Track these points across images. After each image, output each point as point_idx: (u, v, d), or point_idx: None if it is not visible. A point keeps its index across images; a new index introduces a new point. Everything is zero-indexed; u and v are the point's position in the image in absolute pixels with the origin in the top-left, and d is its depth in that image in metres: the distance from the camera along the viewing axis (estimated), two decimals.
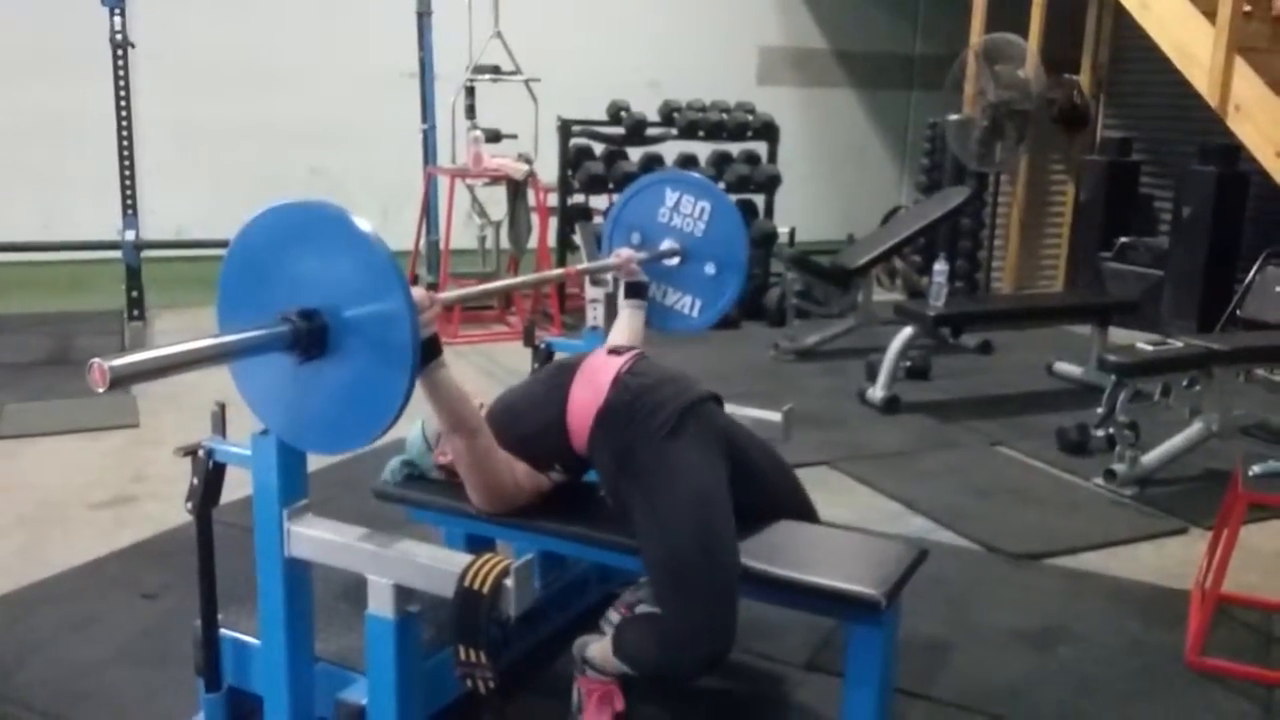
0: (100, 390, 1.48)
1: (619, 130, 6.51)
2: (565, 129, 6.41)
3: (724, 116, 6.70)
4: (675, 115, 6.60)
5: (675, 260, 2.92)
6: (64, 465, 3.92)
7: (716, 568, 2.05)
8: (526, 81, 6.16)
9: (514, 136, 6.18)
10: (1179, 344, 4.03)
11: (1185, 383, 4.03)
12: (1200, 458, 4.05)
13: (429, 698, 2.10)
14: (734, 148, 6.79)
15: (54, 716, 2.36)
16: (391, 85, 6.45)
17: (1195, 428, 3.99)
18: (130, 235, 5.41)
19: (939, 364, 5.51)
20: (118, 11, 5.28)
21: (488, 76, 6.17)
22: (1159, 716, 2.50)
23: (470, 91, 6.23)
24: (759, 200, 6.78)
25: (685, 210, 2.91)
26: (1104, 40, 7.33)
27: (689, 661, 2.08)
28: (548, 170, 6.34)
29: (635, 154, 6.50)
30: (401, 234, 6.36)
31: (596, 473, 2.26)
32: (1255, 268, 5.95)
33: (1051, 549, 3.39)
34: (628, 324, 2.77)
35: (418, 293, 1.81)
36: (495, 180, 6.19)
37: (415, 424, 2.39)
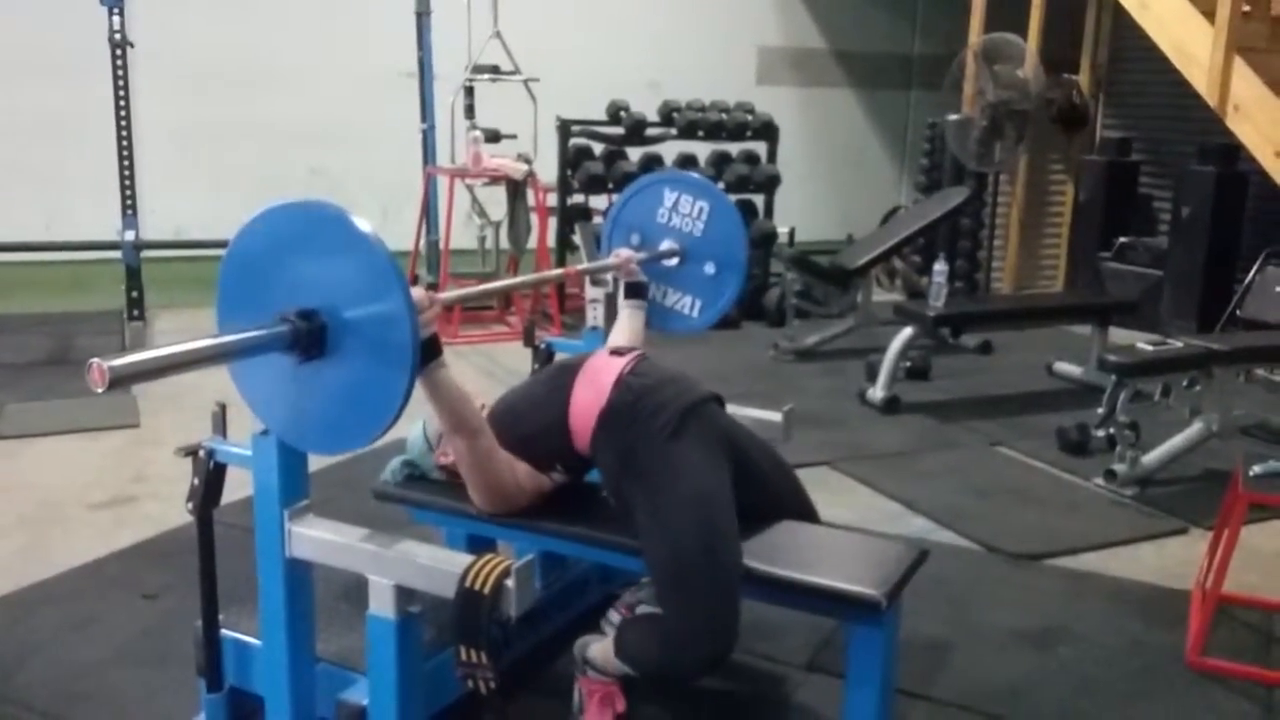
0: (100, 390, 1.48)
1: (618, 130, 6.50)
2: (565, 129, 6.41)
3: (723, 116, 6.70)
4: (674, 115, 6.60)
5: (674, 260, 2.92)
6: (64, 465, 3.92)
7: (719, 568, 2.05)
8: (526, 81, 6.16)
9: (513, 136, 6.18)
10: (1179, 344, 4.03)
11: (1185, 383, 4.03)
12: (1200, 458, 4.05)
13: (430, 698, 2.10)
14: (733, 148, 6.79)
15: (54, 717, 2.36)
16: (391, 85, 6.45)
17: (1195, 428, 3.99)
18: (130, 235, 5.42)
19: (939, 364, 5.51)
20: (117, 11, 5.28)
21: (487, 76, 6.17)
22: (1159, 717, 2.50)
23: (469, 91, 6.23)
24: (758, 200, 6.78)
25: (684, 210, 2.91)
26: (1103, 40, 7.33)
27: (691, 662, 2.08)
28: (547, 170, 6.34)
29: (635, 154, 6.50)
30: (401, 234, 6.36)
31: (599, 473, 2.26)
32: (1255, 268, 5.95)
33: (1052, 549, 3.39)
34: (628, 324, 2.77)
35: (417, 293, 1.81)
36: (495, 180, 6.19)
37: (416, 424, 2.39)
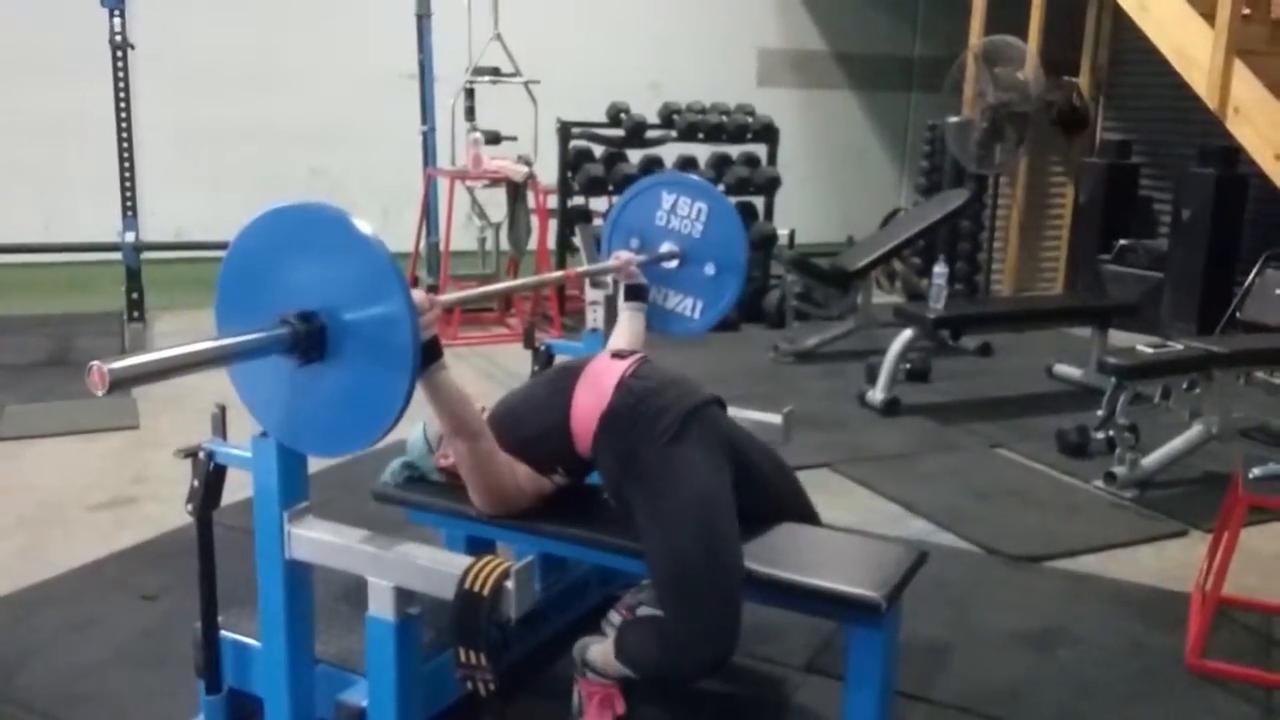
0: (100, 393, 1.48)
1: (619, 132, 6.51)
2: (565, 131, 6.41)
3: (724, 118, 6.71)
4: (675, 117, 6.60)
5: (674, 263, 2.92)
6: (64, 467, 3.92)
7: (720, 570, 2.05)
8: (526, 83, 6.16)
9: (514, 138, 6.19)
10: (1179, 346, 4.03)
11: (1185, 385, 4.03)
12: (1200, 460, 4.05)
13: (429, 700, 2.10)
14: (734, 150, 6.80)
15: (54, 718, 2.36)
16: (391, 87, 6.45)
17: (1195, 430, 3.99)
18: (130, 237, 5.42)
19: (939, 366, 5.51)
20: (117, 13, 5.28)
21: (487, 78, 6.18)
22: (1159, 719, 2.50)
23: (470, 93, 6.24)
24: (758, 202, 6.78)
25: (682, 212, 2.91)
26: (1103, 42, 7.34)
27: (691, 664, 2.08)
28: (547, 172, 6.34)
29: (635, 156, 6.51)
30: (401, 236, 6.37)
31: (600, 475, 2.26)
32: (1255, 270, 5.95)
33: (1051, 551, 3.39)
34: (628, 327, 2.77)
35: (418, 295, 1.81)
36: (495, 182, 6.19)
37: (416, 426, 2.39)
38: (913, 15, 8.61)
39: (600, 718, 2.28)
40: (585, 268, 3.07)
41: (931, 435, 4.60)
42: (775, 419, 2.72)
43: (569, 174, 6.45)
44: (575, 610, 2.68)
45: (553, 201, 6.45)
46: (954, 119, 6.49)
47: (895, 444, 4.45)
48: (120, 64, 5.33)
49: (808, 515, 2.39)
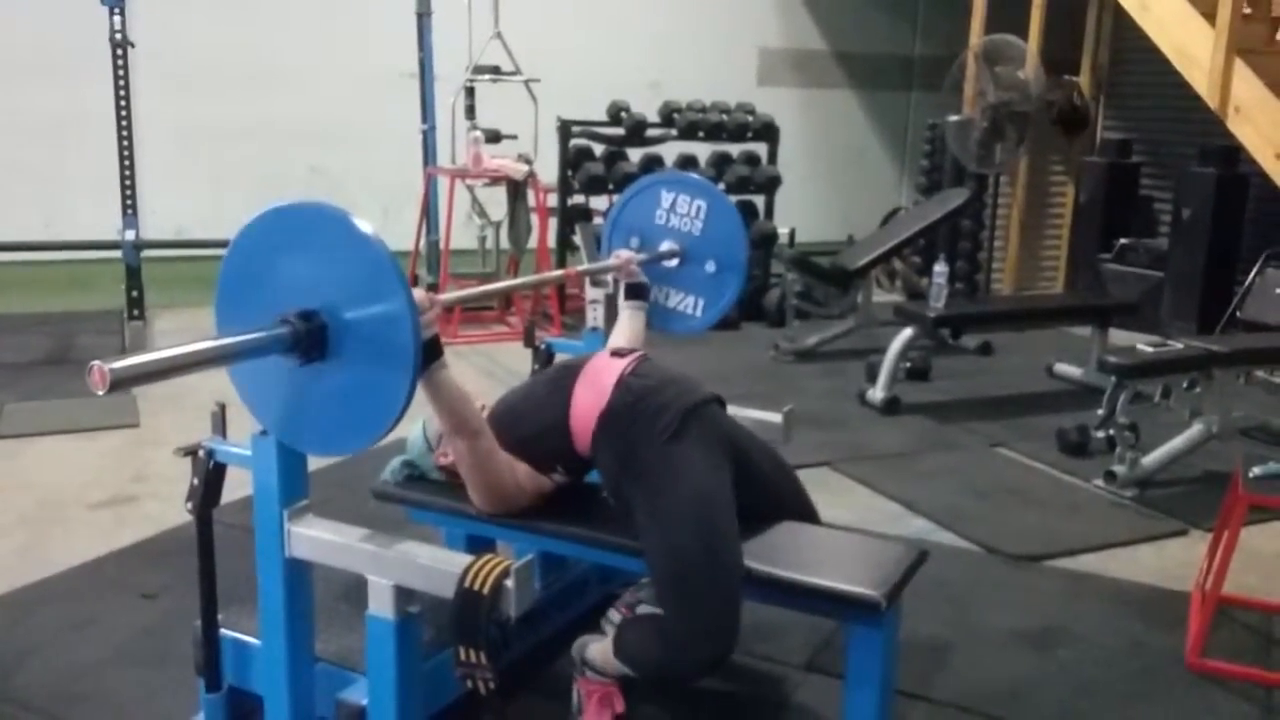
0: (100, 393, 1.48)
1: (619, 131, 6.50)
2: (565, 130, 6.41)
3: (724, 117, 6.70)
4: (675, 116, 6.59)
5: (675, 261, 2.92)
6: (64, 465, 3.92)
7: (719, 569, 2.05)
8: (526, 82, 6.16)
9: (514, 137, 6.18)
10: (1179, 345, 4.03)
11: (1185, 384, 4.03)
12: (1200, 459, 4.05)
13: (429, 698, 2.10)
14: (734, 149, 6.79)
15: (53, 717, 2.36)
16: (391, 85, 6.45)
17: (1195, 429, 3.99)
18: (130, 235, 5.42)
19: (939, 365, 5.51)
20: (117, 11, 5.28)
21: (487, 77, 6.17)
22: (1159, 718, 2.50)
23: (470, 92, 6.23)
24: (759, 201, 6.78)
25: (682, 210, 2.91)
26: (1104, 41, 7.34)
27: (691, 663, 2.08)
28: (548, 171, 6.34)
29: (635, 155, 6.50)
30: (401, 234, 6.37)
31: (599, 473, 2.26)
32: (1255, 269, 5.95)
33: (1052, 550, 3.39)
34: (628, 325, 2.77)
35: (418, 294, 1.81)
36: (495, 181, 6.19)
37: (416, 424, 2.39)
38: (913, 14, 8.60)
39: (599, 716, 2.28)
40: (585, 266, 3.07)
41: (931, 434, 4.60)
42: (775, 418, 2.72)
43: (569, 172, 6.45)
44: (575, 609, 2.68)
45: (553, 200, 6.45)
46: (954, 118, 6.48)
47: (895, 443, 4.45)
48: (120, 62, 5.33)
49: (808, 514, 2.40)
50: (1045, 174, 7.67)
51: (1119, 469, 3.88)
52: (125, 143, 5.40)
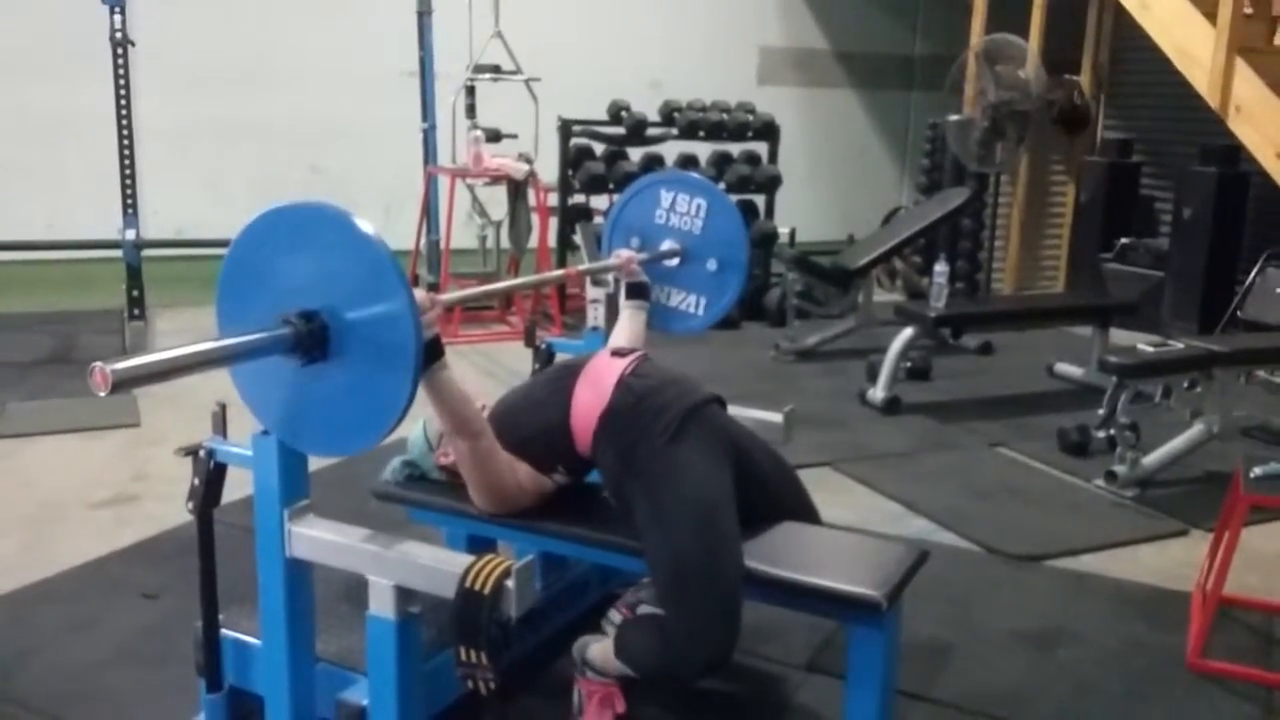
0: (102, 394, 1.48)
1: (619, 130, 6.50)
2: (566, 129, 6.41)
3: (724, 117, 6.70)
4: (676, 115, 6.59)
5: (675, 260, 2.92)
6: (65, 464, 3.92)
7: (720, 569, 2.05)
8: (527, 81, 6.16)
9: (514, 136, 6.18)
10: (1180, 345, 4.03)
11: (1186, 384, 4.03)
12: (1201, 459, 4.05)
13: (430, 698, 2.10)
14: (734, 148, 6.79)
15: (54, 716, 2.36)
16: (392, 84, 6.44)
17: (1196, 429, 3.99)
18: (131, 234, 5.42)
19: (939, 365, 5.51)
20: (118, 10, 5.27)
21: (488, 76, 6.17)
22: (1160, 718, 2.50)
23: (471, 91, 6.23)
24: (759, 201, 6.78)
25: (681, 209, 2.91)
26: (1104, 41, 7.33)
27: (692, 663, 2.08)
28: (548, 170, 6.34)
29: (636, 154, 6.50)
30: (402, 233, 6.38)
31: (600, 474, 2.26)
32: (1256, 269, 5.95)
33: (1052, 550, 3.39)
34: (629, 325, 2.77)
35: (419, 294, 1.80)
36: (496, 180, 6.18)
37: (417, 424, 2.39)
38: (914, 14, 8.60)
39: (600, 717, 2.28)
40: (586, 266, 3.07)
41: (932, 434, 4.60)
42: (776, 418, 2.71)
43: (570, 172, 6.45)
44: (575, 609, 2.67)
45: (553, 199, 6.45)
46: (955, 117, 6.48)
47: (896, 443, 4.45)
48: (121, 62, 5.32)
49: (808, 514, 2.39)
50: (1046, 173, 7.66)
51: (1120, 469, 3.88)
52: (126, 142, 5.40)
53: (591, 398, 2.21)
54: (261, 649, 2.09)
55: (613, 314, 2.84)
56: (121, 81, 5.34)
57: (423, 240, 6.40)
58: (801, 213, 7.32)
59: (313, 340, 1.72)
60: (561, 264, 6.29)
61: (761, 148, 6.85)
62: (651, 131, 6.58)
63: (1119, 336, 5.34)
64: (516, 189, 6.10)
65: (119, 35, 5.29)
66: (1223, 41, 4.90)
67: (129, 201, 5.43)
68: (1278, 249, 5.93)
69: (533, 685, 2.47)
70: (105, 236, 5.51)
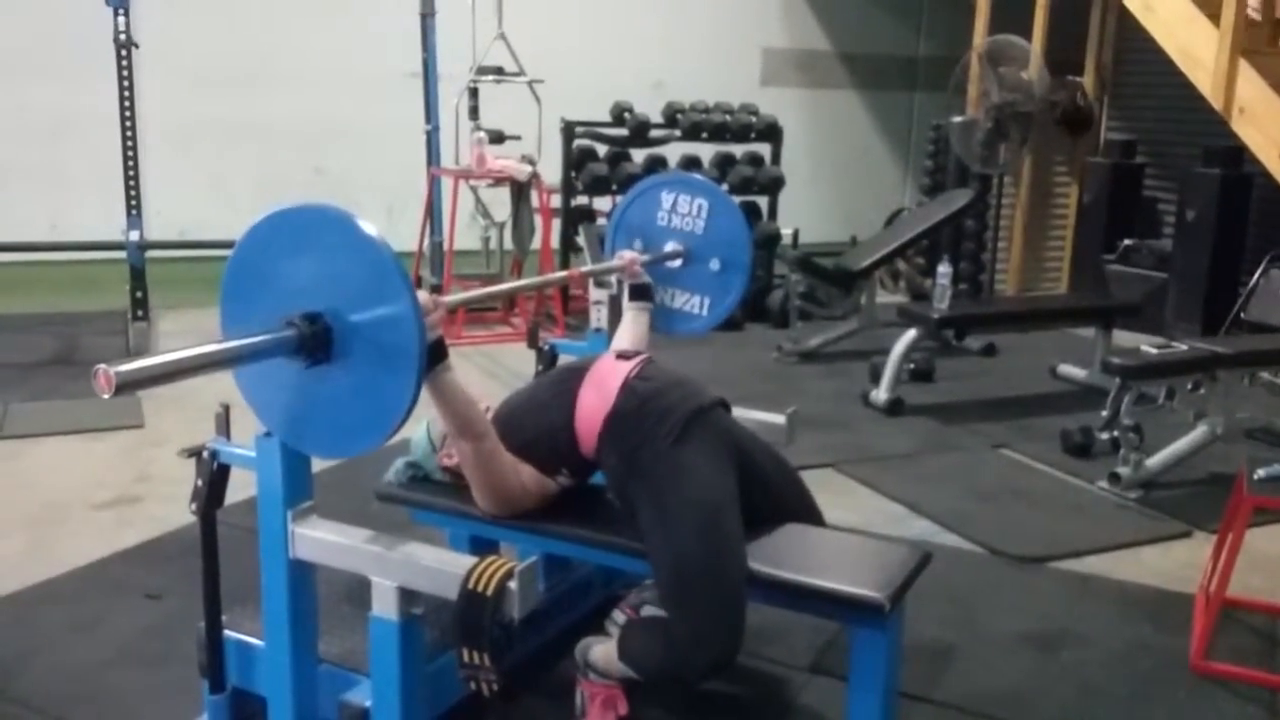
0: (106, 396, 1.49)
1: (622, 132, 6.50)
2: (569, 130, 6.41)
3: (727, 118, 6.70)
4: (679, 117, 6.60)
5: (678, 262, 2.92)
6: (68, 465, 3.92)
7: (724, 572, 2.05)
8: (530, 83, 6.16)
9: (517, 138, 6.18)
10: (1183, 347, 4.02)
11: (1190, 386, 4.02)
12: (1204, 461, 4.05)
13: (433, 700, 2.10)
14: (737, 149, 6.79)
15: (57, 717, 2.36)
16: (395, 86, 6.45)
17: (1200, 431, 3.98)
18: (134, 235, 5.42)
19: (943, 366, 5.51)
20: (122, 12, 5.28)
21: (491, 78, 6.18)
22: None
23: (474, 93, 6.24)
24: (762, 202, 6.77)
25: (683, 210, 2.91)
26: (1107, 42, 7.33)
27: (695, 665, 2.07)
28: (551, 172, 6.35)
29: (639, 156, 6.50)
30: (405, 235, 6.38)
31: (604, 476, 2.26)
32: (1259, 270, 5.94)
33: (1055, 552, 3.38)
34: (632, 327, 2.77)
35: (422, 296, 1.80)
36: (499, 181, 6.19)
37: (420, 425, 2.39)
38: (917, 15, 8.60)
39: (603, 718, 2.28)
40: (589, 267, 3.07)
41: (935, 435, 4.59)
42: (779, 419, 2.71)
43: (573, 173, 6.45)
44: (579, 610, 2.68)
45: (556, 201, 6.46)
46: (958, 119, 6.47)
47: (899, 444, 4.45)
48: (125, 63, 5.33)
49: (811, 516, 2.39)
50: (1049, 175, 7.66)
51: (1123, 470, 3.88)
52: (130, 143, 5.40)
53: (596, 400, 2.21)
54: (264, 650, 2.09)
55: (616, 315, 2.84)
56: (125, 82, 5.34)
57: (426, 242, 6.40)
58: (804, 214, 7.33)
59: (316, 342, 1.72)
60: (564, 265, 6.29)
61: (764, 149, 6.85)
62: (654, 133, 6.59)
63: (1122, 338, 5.34)
64: (519, 190, 6.11)
65: (123, 36, 5.30)
66: (1226, 43, 4.89)
67: (133, 202, 5.44)
68: None
69: (535, 687, 2.47)
70: (108, 238, 5.52)
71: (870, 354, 5.36)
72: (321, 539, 1.95)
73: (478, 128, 6.10)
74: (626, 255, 2.82)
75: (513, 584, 1.78)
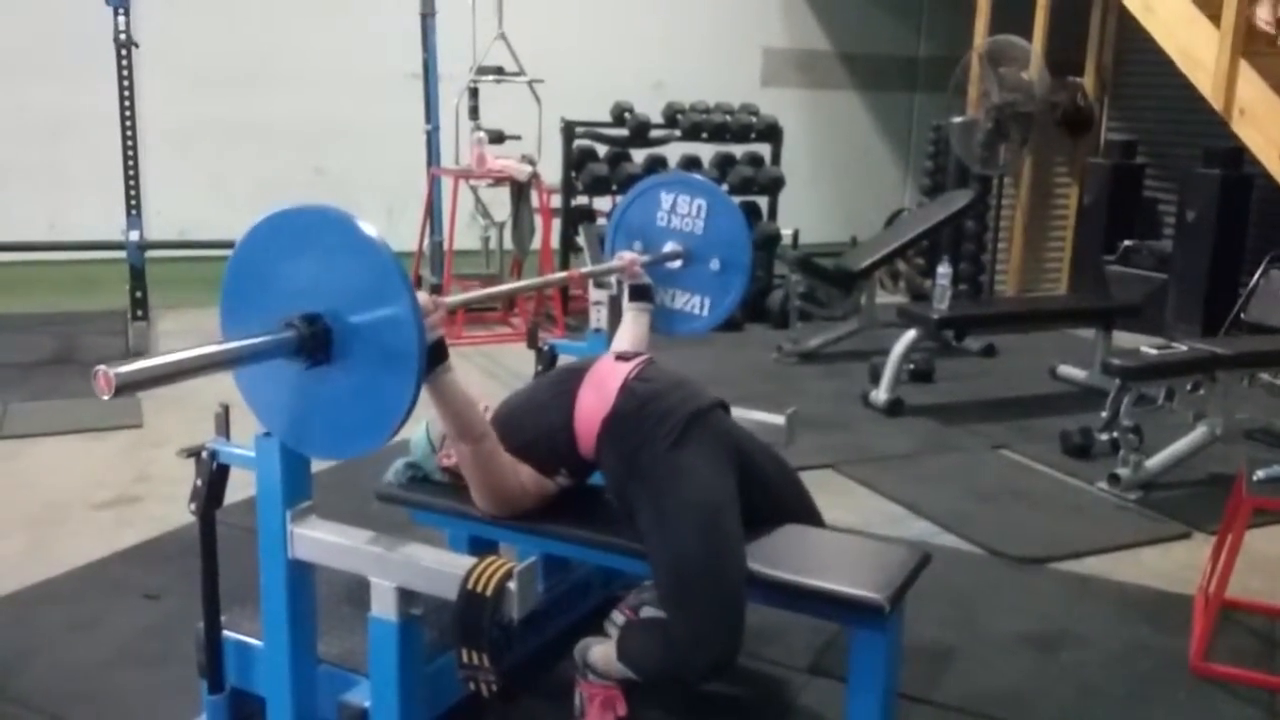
0: (106, 398, 1.49)
1: (622, 132, 6.50)
2: (569, 130, 6.41)
3: (728, 118, 6.70)
4: (679, 117, 6.59)
5: (678, 262, 2.92)
6: (68, 465, 3.92)
7: (724, 573, 2.05)
8: (530, 83, 6.16)
9: (518, 138, 6.19)
10: (1183, 348, 4.02)
11: (1189, 387, 4.02)
12: (1204, 462, 4.05)
13: (432, 700, 2.10)
14: (738, 149, 6.79)
15: (56, 717, 2.36)
16: (395, 86, 6.45)
17: (1199, 432, 3.98)
18: (134, 235, 5.42)
19: (942, 367, 5.51)
20: (122, 11, 5.28)
21: (491, 78, 6.18)
22: None
23: (474, 93, 6.24)
24: (762, 202, 6.77)
25: (682, 210, 2.91)
26: (1108, 43, 7.33)
27: (694, 666, 2.07)
28: (551, 172, 6.34)
29: (639, 156, 6.50)
30: (405, 235, 6.39)
31: (604, 477, 2.26)
32: (1259, 271, 5.94)
33: (1055, 553, 3.38)
34: (632, 327, 2.77)
35: (422, 297, 1.80)
36: (499, 181, 6.19)
37: (419, 426, 2.39)
38: (917, 15, 8.60)
39: (602, 719, 2.28)
40: (589, 268, 3.07)
41: (935, 436, 4.59)
42: (779, 420, 2.71)
43: (573, 173, 6.45)
44: (578, 611, 2.68)
45: (556, 201, 6.46)
46: (958, 119, 6.47)
47: (899, 445, 4.45)
48: (125, 62, 5.33)
49: (811, 517, 2.39)
50: (1049, 175, 7.66)
51: (1123, 471, 3.88)
52: (129, 143, 5.40)
53: (595, 401, 2.21)
54: (263, 650, 2.09)
55: (616, 316, 2.84)
56: (125, 82, 5.34)
57: (426, 242, 6.40)
58: (804, 214, 7.33)
59: (316, 343, 1.72)
60: (564, 266, 6.29)
61: (765, 149, 6.85)
62: (655, 133, 6.58)
63: (1122, 339, 5.34)
64: (519, 190, 6.11)
65: (123, 36, 5.30)
66: (1226, 44, 4.89)
67: (132, 202, 5.44)
68: None
69: (535, 687, 2.47)
70: (108, 237, 5.52)
71: (870, 354, 5.36)
72: (321, 539, 1.95)
73: (478, 128, 6.10)
74: (626, 256, 2.82)
75: (512, 584, 1.79)
